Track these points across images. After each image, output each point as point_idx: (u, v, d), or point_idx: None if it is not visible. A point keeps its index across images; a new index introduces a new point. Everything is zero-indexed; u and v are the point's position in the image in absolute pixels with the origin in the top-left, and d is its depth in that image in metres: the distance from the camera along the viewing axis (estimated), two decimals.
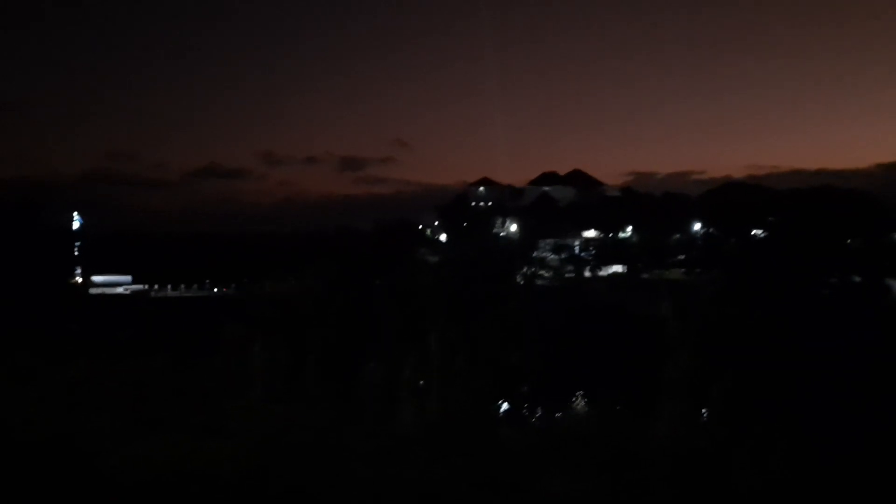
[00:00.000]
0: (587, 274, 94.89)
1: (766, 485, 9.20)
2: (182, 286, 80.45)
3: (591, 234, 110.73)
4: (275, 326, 18.03)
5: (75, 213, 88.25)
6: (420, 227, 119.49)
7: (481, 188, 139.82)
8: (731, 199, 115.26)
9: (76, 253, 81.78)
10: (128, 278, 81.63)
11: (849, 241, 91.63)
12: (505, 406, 17.27)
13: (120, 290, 79.49)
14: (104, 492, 9.54)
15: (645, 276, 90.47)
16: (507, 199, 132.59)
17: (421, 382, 15.74)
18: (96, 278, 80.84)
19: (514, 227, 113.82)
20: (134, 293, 78.41)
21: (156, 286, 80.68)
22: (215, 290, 76.59)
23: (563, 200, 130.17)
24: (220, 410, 15.79)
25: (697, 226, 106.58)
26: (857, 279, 72.70)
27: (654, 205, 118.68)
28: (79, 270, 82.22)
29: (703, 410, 13.65)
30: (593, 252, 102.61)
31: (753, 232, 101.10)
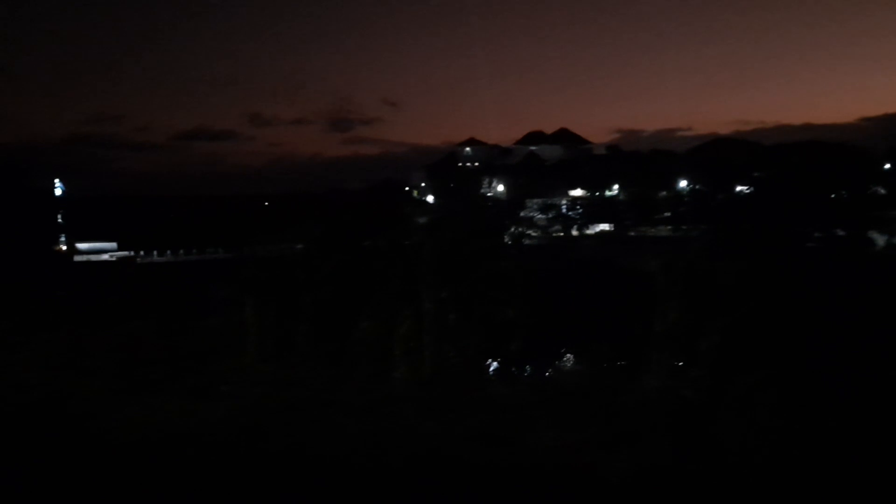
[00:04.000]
0: (575, 232, 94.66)
1: (752, 434, 9.37)
2: (169, 251, 79.67)
3: (578, 192, 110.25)
4: (266, 288, 18.03)
5: (57, 181, 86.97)
6: (408, 187, 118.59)
7: (468, 148, 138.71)
8: (718, 155, 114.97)
9: (60, 219, 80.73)
10: (113, 245, 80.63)
11: (834, 194, 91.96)
12: (496, 362, 17.41)
13: (105, 256, 78.57)
14: (98, 453, 9.60)
15: (632, 233, 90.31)
16: (495, 159, 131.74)
17: (414, 340, 15.84)
18: (81, 245, 79.83)
19: (501, 187, 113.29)
20: (120, 259, 77.59)
21: (142, 252, 79.81)
22: (204, 253, 75.93)
23: (551, 159, 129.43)
24: (212, 373, 15.87)
25: (684, 182, 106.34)
26: (842, 232, 73.15)
27: (641, 162, 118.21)
28: (63, 237, 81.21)
29: (691, 362, 13.84)
30: (580, 210, 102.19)
31: (740, 187, 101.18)
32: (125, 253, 79.93)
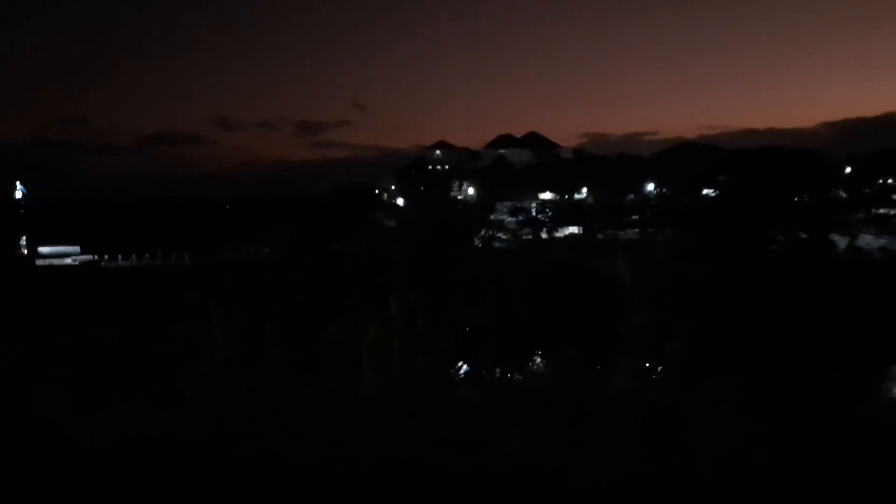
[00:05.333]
0: (544, 235, 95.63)
1: (721, 436, 9.50)
2: (133, 256, 78.59)
3: (547, 196, 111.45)
4: (233, 293, 17.84)
5: (18, 183, 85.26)
6: (377, 190, 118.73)
7: (438, 151, 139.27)
8: (684, 160, 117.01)
9: (21, 222, 79.23)
10: (76, 249, 79.37)
11: (796, 198, 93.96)
12: (466, 366, 17.44)
13: (68, 261, 77.31)
14: (60, 461, 9.40)
15: (600, 236, 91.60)
16: (464, 162, 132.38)
17: (383, 346, 15.79)
18: (43, 249, 78.46)
19: (471, 190, 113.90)
20: (83, 264, 76.39)
21: (106, 256, 78.61)
22: (170, 258, 75.05)
23: (520, 163, 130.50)
24: (179, 379, 15.64)
25: (651, 186, 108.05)
26: (804, 235, 74.77)
27: (609, 166, 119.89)
28: (24, 241, 79.73)
29: (659, 365, 14.00)
30: (550, 214, 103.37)
31: (705, 191, 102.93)
32: (88, 257, 78.64)
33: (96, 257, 78.12)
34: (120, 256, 78.22)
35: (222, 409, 12.45)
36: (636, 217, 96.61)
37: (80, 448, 10.12)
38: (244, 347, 17.05)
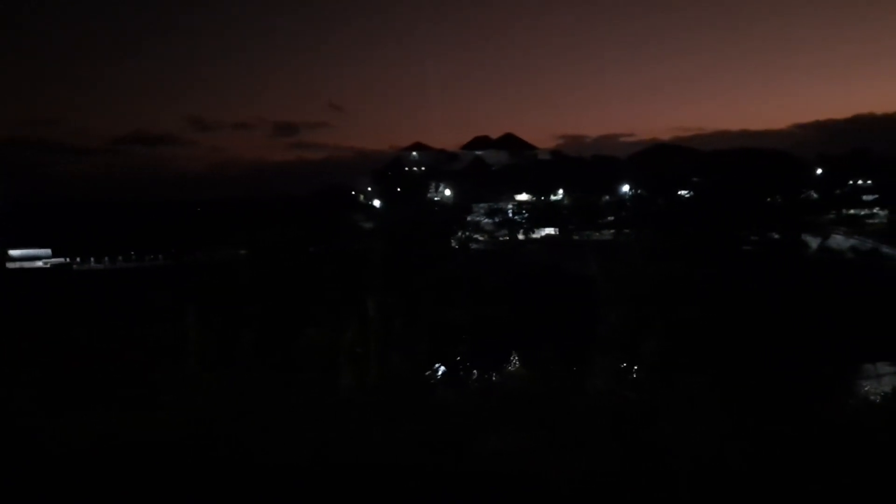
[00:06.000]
0: (521, 236, 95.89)
1: (695, 435, 9.59)
2: (106, 258, 77.52)
3: (523, 197, 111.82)
4: (208, 295, 17.70)
5: None
6: (354, 192, 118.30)
7: (415, 153, 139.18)
8: (659, 161, 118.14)
9: None
10: (47, 251, 78.20)
11: (769, 199, 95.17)
12: (443, 368, 17.45)
13: (39, 263, 76.11)
14: (32, 466, 9.26)
15: (576, 237, 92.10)
16: (441, 164, 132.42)
17: (360, 347, 15.75)
18: (13, 252, 77.25)
19: (448, 192, 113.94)
20: (55, 267, 75.23)
21: (78, 259, 77.46)
22: (144, 260, 74.17)
23: (496, 164, 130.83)
24: (153, 382, 15.47)
25: (626, 187, 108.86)
26: (777, 236, 75.74)
27: (584, 167, 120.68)
28: None
29: (635, 365, 14.12)
30: (526, 215, 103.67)
31: (680, 192, 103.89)
32: (60, 260, 77.52)
33: (68, 260, 76.99)
34: (92, 259, 77.16)
35: (197, 411, 12.33)
36: (612, 218, 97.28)
37: (49, 453, 9.97)
38: (220, 350, 16.93)
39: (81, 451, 9.66)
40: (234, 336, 17.28)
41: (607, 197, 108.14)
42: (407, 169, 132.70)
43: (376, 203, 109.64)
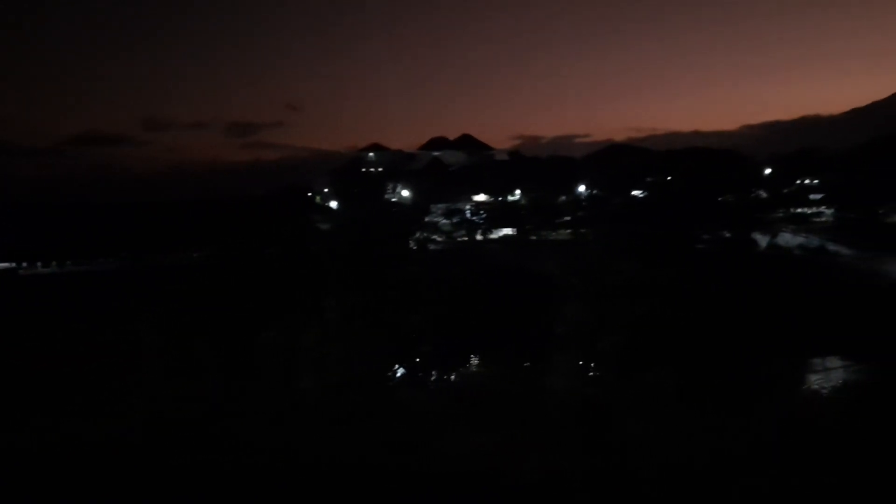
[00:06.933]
0: (479, 237, 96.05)
1: (654, 431, 9.74)
2: (55, 262, 75.40)
3: (481, 197, 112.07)
4: (163, 299, 17.38)
5: None
6: (311, 193, 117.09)
7: (372, 153, 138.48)
8: (614, 161, 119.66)
9: None
10: None
11: (720, 198, 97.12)
12: (404, 369, 17.43)
13: None
14: None
15: (534, 237, 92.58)
16: (399, 164, 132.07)
17: (320, 349, 15.65)
18: None
19: (405, 193, 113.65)
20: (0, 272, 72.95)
21: (24, 263, 75.18)
22: (96, 264, 72.31)
23: (454, 165, 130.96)
24: (107, 389, 15.13)
25: (582, 187, 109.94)
26: (728, 234, 77.34)
27: (541, 167, 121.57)
28: None
29: (593, 362, 14.30)
30: (484, 215, 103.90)
31: (635, 192, 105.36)
32: (6, 265, 75.21)
33: (15, 264, 74.74)
34: (40, 263, 75.02)
35: (154, 418, 12.12)
36: (569, 218, 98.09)
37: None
38: (176, 354, 16.66)
39: (30, 461, 9.42)
40: (192, 340, 17.04)
41: (564, 197, 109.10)
42: (364, 170, 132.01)
43: (334, 204, 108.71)
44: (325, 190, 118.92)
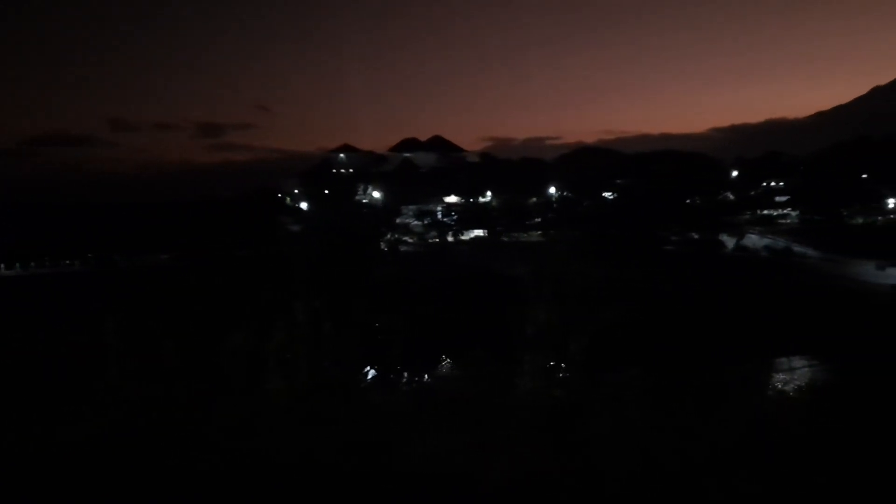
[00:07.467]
0: (450, 238, 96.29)
1: (621, 432, 9.81)
2: (18, 264, 74.06)
3: (452, 199, 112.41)
4: (130, 301, 17.13)
5: None
6: (281, 194, 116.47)
7: (342, 155, 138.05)
8: (584, 163, 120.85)
9: None
10: None
11: (688, 200, 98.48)
12: (373, 371, 17.37)
13: None
14: None
15: (505, 238, 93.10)
16: (370, 166, 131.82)
17: (289, 352, 15.52)
18: None
19: (376, 194, 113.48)
20: None
21: None
22: (60, 266, 71.08)
23: (425, 166, 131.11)
24: (71, 394, 14.85)
25: (553, 189, 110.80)
26: (696, 236, 78.44)
27: (512, 169, 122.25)
28: None
29: (563, 363, 14.37)
30: (455, 217, 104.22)
31: (605, 194, 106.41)
32: None
33: None
34: (3, 265, 73.64)
35: (119, 422, 11.93)
36: (539, 219, 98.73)
37: None
38: (142, 358, 16.40)
39: None
40: (158, 343, 16.79)
41: (535, 199, 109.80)
42: (335, 171, 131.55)
43: (304, 205, 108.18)
44: (296, 191, 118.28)
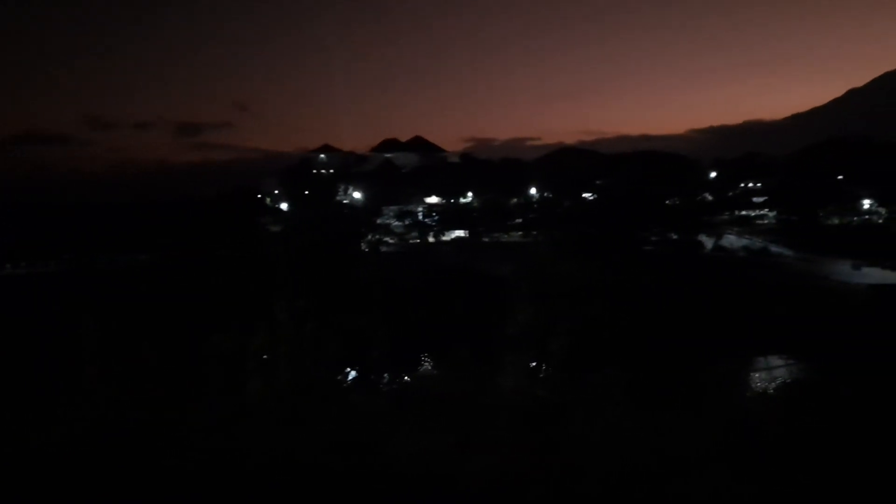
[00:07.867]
0: (431, 239, 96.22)
1: (602, 431, 9.85)
2: None
3: (433, 199, 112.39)
4: (107, 302, 16.95)
5: None
6: (261, 194, 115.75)
7: (323, 155, 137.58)
8: (564, 164, 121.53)
9: None
10: None
11: (668, 200, 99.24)
12: (354, 372, 17.31)
13: None
14: None
15: (486, 239, 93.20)
16: (350, 166, 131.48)
17: (269, 352, 15.43)
18: None
19: (357, 194, 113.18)
20: None
21: None
22: (35, 266, 70.19)
23: (406, 167, 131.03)
24: (46, 397, 14.66)
25: (534, 189, 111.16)
26: (675, 236, 79.03)
27: (493, 170, 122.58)
28: None
29: (544, 363, 14.42)
30: (436, 217, 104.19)
31: (585, 194, 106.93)
32: None
33: None
34: None
35: (95, 425, 11.80)
36: (520, 220, 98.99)
37: None
38: (119, 360, 16.22)
39: None
40: (136, 344, 16.62)
41: (516, 199, 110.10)
42: (315, 171, 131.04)
43: (284, 206, 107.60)
44: (276, 191, 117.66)
